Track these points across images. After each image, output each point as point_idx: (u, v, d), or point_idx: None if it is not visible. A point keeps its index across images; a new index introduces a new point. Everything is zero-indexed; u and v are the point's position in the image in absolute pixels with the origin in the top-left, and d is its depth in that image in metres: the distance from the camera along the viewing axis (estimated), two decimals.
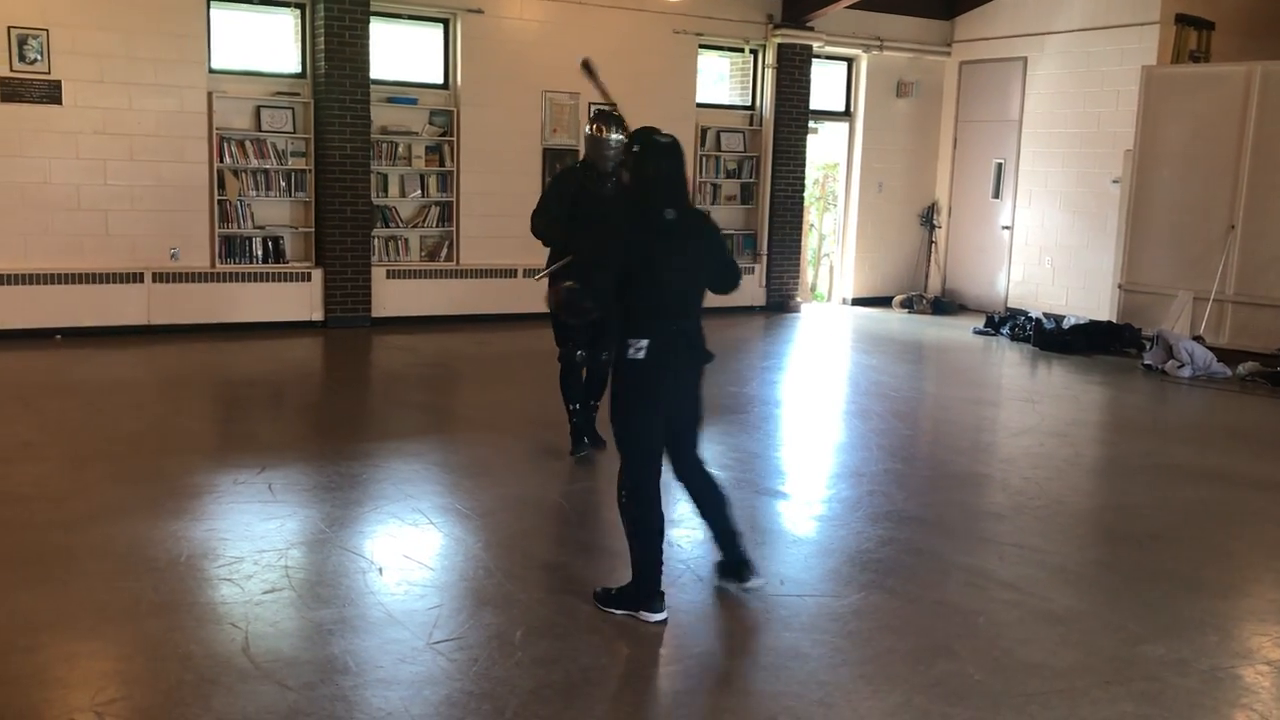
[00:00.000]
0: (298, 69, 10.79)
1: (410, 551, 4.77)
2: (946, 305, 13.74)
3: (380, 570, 4.50)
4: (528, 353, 10.21)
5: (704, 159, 12.91)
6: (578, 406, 6.37)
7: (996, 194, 13.61)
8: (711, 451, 6.63)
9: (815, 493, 5.99)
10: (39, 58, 9.53)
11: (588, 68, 6.12)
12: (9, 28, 9.38)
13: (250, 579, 4.33)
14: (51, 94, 9.60)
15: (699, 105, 12.85)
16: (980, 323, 12.29)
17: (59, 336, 9.69)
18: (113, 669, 3.58)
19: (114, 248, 10.02)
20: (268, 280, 10.66)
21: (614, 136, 5.96)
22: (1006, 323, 11.98)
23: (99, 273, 9.90)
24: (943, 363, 10.85)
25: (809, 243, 14.66)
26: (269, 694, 3.40)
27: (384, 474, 5.95)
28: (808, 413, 8.19)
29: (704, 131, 12.88)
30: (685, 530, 5.22)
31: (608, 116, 6.06)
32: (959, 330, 12.24)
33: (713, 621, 4.16)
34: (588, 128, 6.18)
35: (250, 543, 4.77)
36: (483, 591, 4.33)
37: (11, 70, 9.42)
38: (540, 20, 11.70)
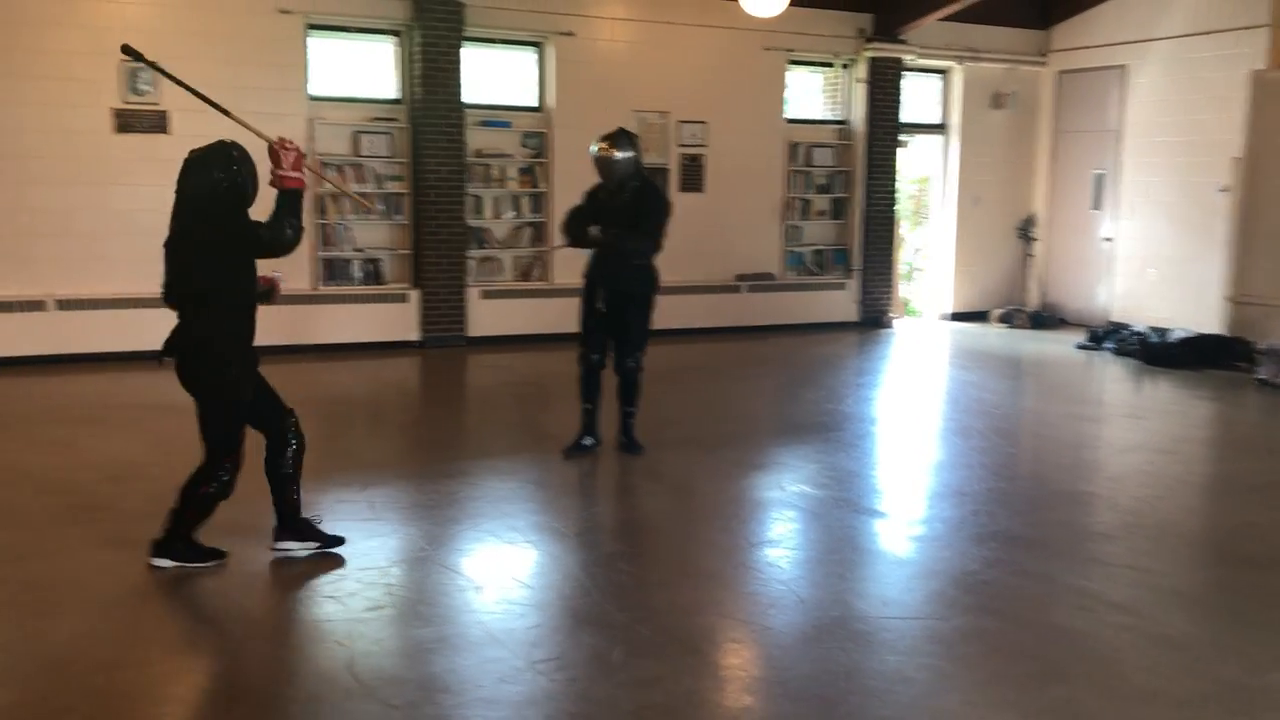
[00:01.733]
0: (395, 95, 11.00)
1: (508, 570, 4.79)
2: (1046, 319, 13.42)
3: (479, 589, 4.53)
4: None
5: (794, 174, 12.84)
6: (590, 407, 6.77)
7: (1096, 205, 13.28)
8: (807, 470, 6.59)
9: (916, 512, 5.88)
10: (149, 89, 9.86)
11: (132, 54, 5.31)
12: (121, 61, 9.73)
13: (353, 596, 4.39)
14: (159, 124, 9.93)
15: (789, 121, 12.79)
16: (1082, 337, 11.98)
17: (163, 359, 9.96)
18: (218, 685, 3.65)
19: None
20: (367, 302, 10.86)
21: (619, 155, 6.41)
22: (1110, 337, 11.65)
23: None
24: (1044, 378, 10.60)
25: (902, 257, 14.47)
26: (373, 712, 3.43)
27: (481, 492, 6.00)
28: (905, 430, 8.05)
29: (794, 147, 12.80)
30: (784, 550, 5.17)
31: (616, 136, 6.48)
32: (1060, 345, 11.95)
33: (814, 643, 4.09)
34: (593, 148, 6.52)
35: (352, 561, 4.84)
36: (580, 611, 4.33)
37: (124, 102, 9.78)
38: (630, 41, 11.77)
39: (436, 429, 7.95)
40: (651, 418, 8.14)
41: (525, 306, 11.55)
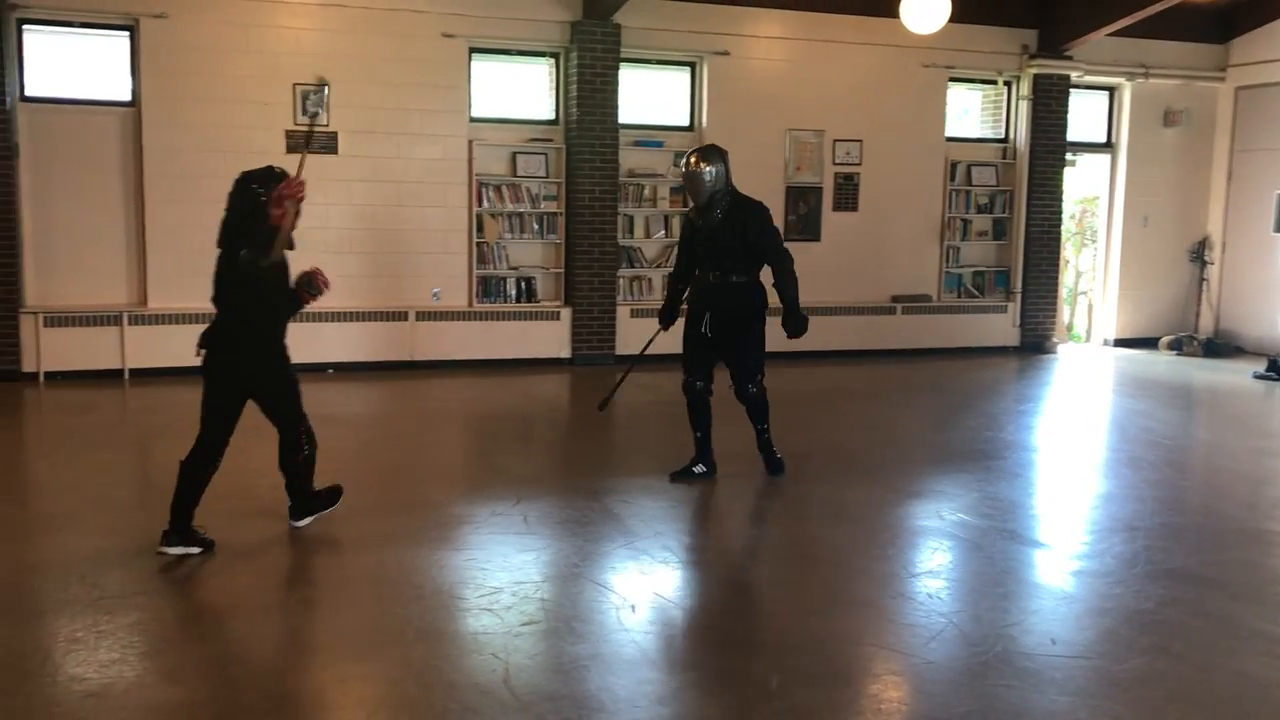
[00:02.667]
0: (551, 115, 11.18)
1: (660, 590, 4.76)
2: (1220, 347, 12.73)
3: (633, 607, 4.50)
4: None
5: (954, 194, 12.53)
6: (700, 435, 6.62)
7: (1279, 228, 12.56)
8: (967, 499, 6.37)
9: (1084, 546, 5.61)
10: (320, 111, 10.26)
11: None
12: (294, 84, 10.16)
13: (509, 610, 4.42)
14: (329, 145, 10.31)
15: (948, 139, 12.50)
16: (1260, 366, 11.31)
17: (331, 370, 10.34)
18: (383, 693, 3.71)
19: (381, 289, 10.63)
20: (520, 319, 11.05)
21: (707, 169, 6.23)
22: None
23: (368, 311, 10.53)
24: (1219, 409, 10.04)
25: (1065, 280, 13.96)
26: None
27: (633, 510, 5.99)
28: (1070, 460, 7.72)
29: (954, 165, 12.49)
30: (943, 581, 5.00)
31: (705, 151, 6.35)
32: (1235, 374, 11.31)
33: (978, 679, 3.93)
34: (682, 164, 6.52)
35: (508, 574, 4.89)
36: (735, 635, 4.26)
37: (295, 124, 10.19)
38: (785, 60, 11.70)
39: (587, 446, 7.99)
40: (803, 441, 8.02)
41: (674, 327, 11.50)
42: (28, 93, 9.63)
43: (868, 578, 5.07)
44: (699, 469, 6.62)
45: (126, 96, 9.90)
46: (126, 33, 9.80)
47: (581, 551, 5.26)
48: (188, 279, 9.72)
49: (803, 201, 11.93)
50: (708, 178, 6.23)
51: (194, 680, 3.70)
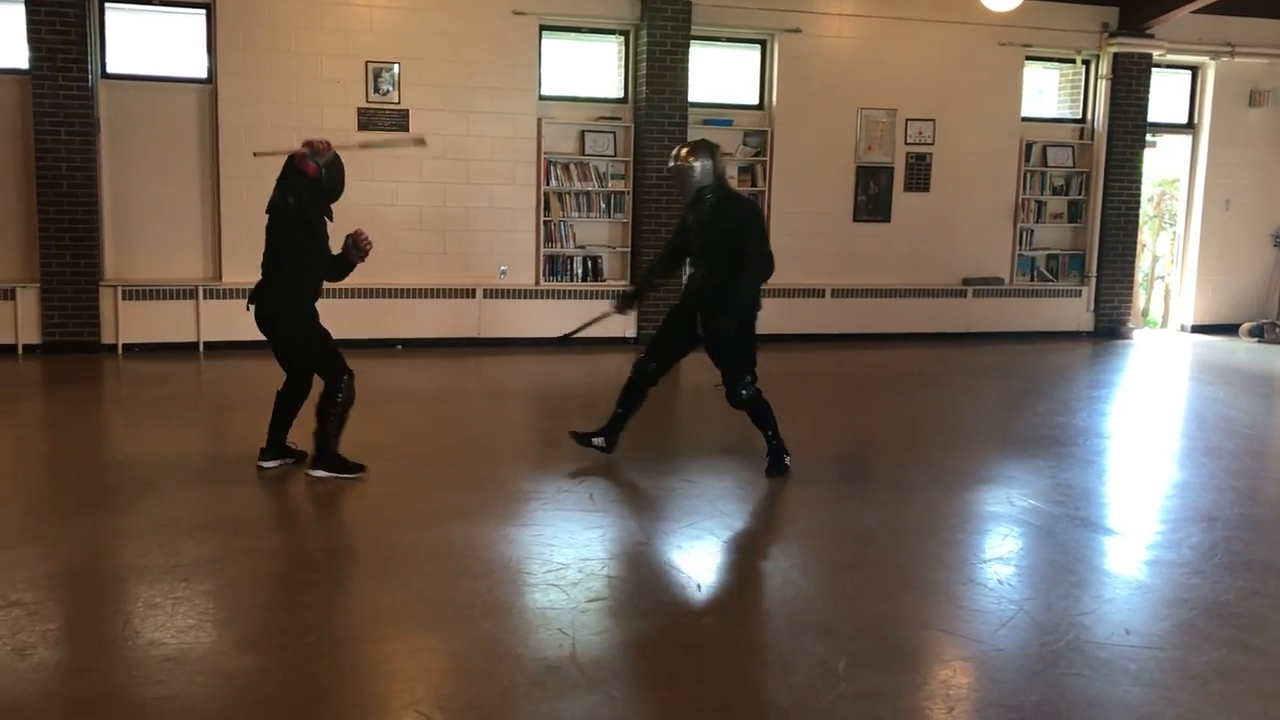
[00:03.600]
0: (620, 94, 11.15)
1: (725, 570, 4.75)
2: None
3: (698, 586, 4.50)
4: (834, 374, 10.08)
5: (1028, 175, 12.29)
6: (621, 411, 6.48)
7: None
8: (1038, 485, 6.27)
9: (1160, 536, 5.49)
10: (391, 89, 10.34)
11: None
12: (367, 62, 10.24)
13: (575, 586, 4.44)
14: (400, 122, 10.39)
15: (1024, 119, 12.26)
16: None
17: (400, 347, 10.45)
18: (450, 665, 3.74)
19: (450, 265, 10.71)
20: (586, 298, 11.05)
21: (695, 163, 6.03)
22: None
23: (437, 288, 10.61)
24: None
25: (1141, 265, 13.65)
26: (597, 704, 3.44)
27: (699, 490, 5.97)
28: (1145, 448, 7.56)
29: (1029, 146, 12.25)
30: (1012, 568, 4.92)
31: (695, 145, 6.14)
32: None
33: (1049, 667, 3.86)
34: (671, 161, 6.21)
35: (574, 550, 4.90)
36: (801, 617, 4.23)
37: (368, 101, 10.28)
38: (858, 37, 11.55)
39: (652, 425, 7.96)
40: (869, 424, 7.97)
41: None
42: (109, 70, 9.83)
43: (935, 562, 5.01)
44: (598, 441, 6.46)
45: (203, 74, 10.05)
46: (204, 11, 9.94)
47: (647, 530, 5.26)
48: (261, 254, 9.87)
49: (873, 181, 11.78)
50: (696, 173, 6.02)
51: (266, 648, 3.76)
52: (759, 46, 11.48)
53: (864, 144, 11.72)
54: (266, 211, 5.85)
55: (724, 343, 6.08)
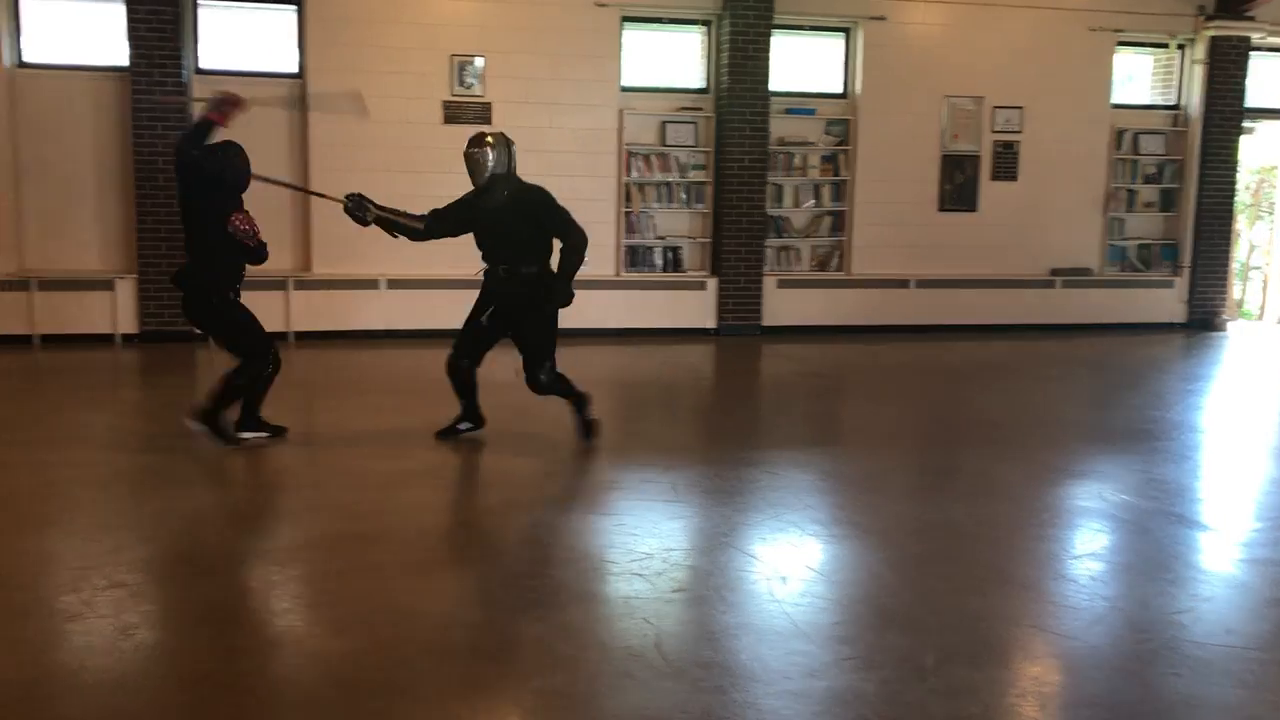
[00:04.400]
0: (701, 84, 11.12)
1: (811, 563, 4.72)
2: None
3: (783, 579, 4.48)
4: (917, 366, 9.96)
5: (1119, 163, 12.01)
6: (466, 402, 6.54)
7: None
8: (1131, 480, 6.13)
9: (1259, 534, 5.32)
10: (475, 82, 10.44)
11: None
12: (451, 55, 10.35)
13: (659, 576, 4.44)
14: (483, 115, 10.49)
15: (1114, 105, 11.97)
16: None
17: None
18: (538, 652, 3.77)
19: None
20: (666, 289, 11.07)
21: (489, 151, 6.17)
22: None
23: None
24: None
25: (1237, 254, 13.25)
26: (682, 693, 3.45)
27: (782, 482, 5.95)
28: (1242, 443, 7.34)
29: (1120, 133, 11.97)
30: (1105, 564, 4.82)
31: (487, 135, 6.27)
32: None
33: (1148, 666, 3.77)
34: (468, 149, 6.26)
35: (657, 540, 4.91)
36: (889, 611, 4.19)
37: (452, 94, 10.39)
38: (944, 24, 11.37)
39: (733, 416, 7.97)
40: (955, 416, 7.87)
41: (822, 297, 11.42)
42: (202, 66, 10.07)
43: (1025, 557, 4.93)
44: (464, 426, 6.57)
45: (294, 69, 10.25)
46: (295, 6, 10.13)
47: (730, 521, 5.25)
48: (349, 246, 10.02)
49: (959, 171, 11.61)
50: (490, 159, 6.14)
51: (359, 632, 3.83)
52: (843, 35, 11.36)
53: (950, 132, 11.54)
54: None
55: (534, 322, 6.21)
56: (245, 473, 5.86)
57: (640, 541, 4.86)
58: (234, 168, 6.09)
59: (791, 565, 4.67)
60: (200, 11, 10.04)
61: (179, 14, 9.68)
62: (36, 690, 3.36)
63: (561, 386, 6.39)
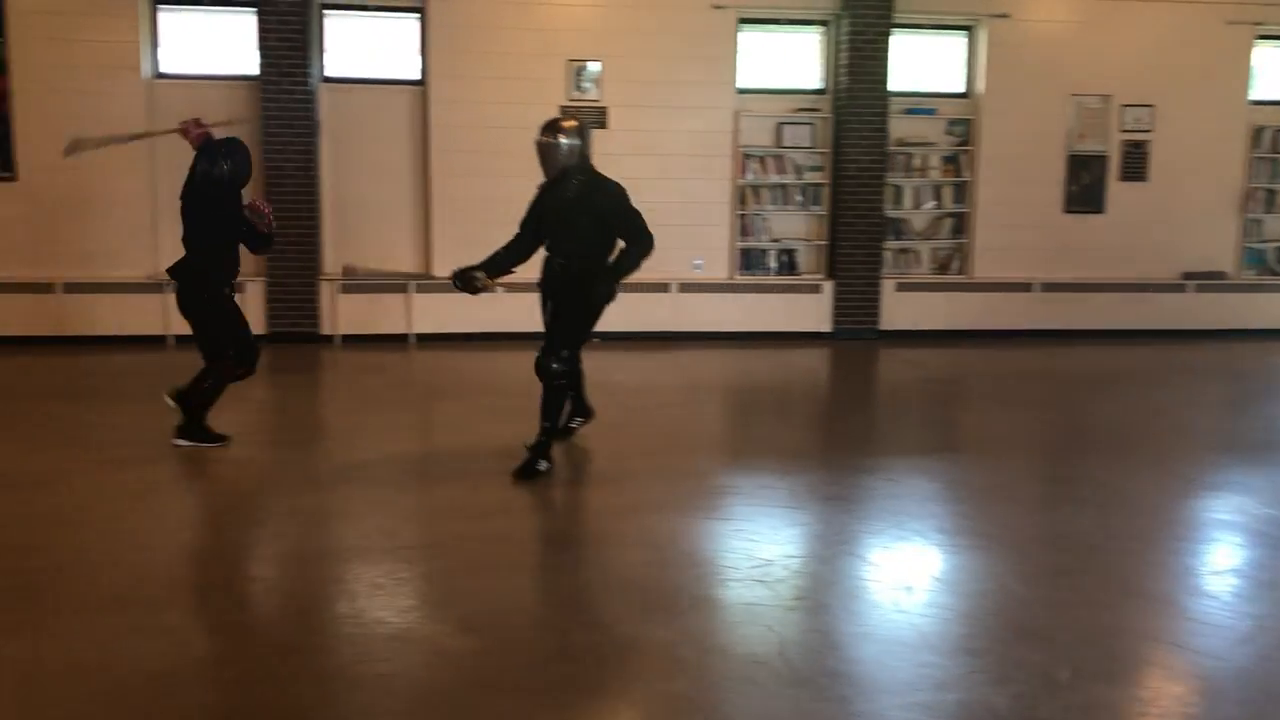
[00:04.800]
0: (819, 85, 11.01)
1: (936, 572, 4.62)
2: None
3: (908, 589, 4.39)
4: (1041, 372, 9.70)
5: (1258, 161, 11.51)
6: (574, 393, 6.39)
7: None
8: (1274, 494, 5.86)
9: None
10: (591, 86, 10.50)
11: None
12: (568, 60, 10.44)
13: (781, 583, 4.40)
14: (599, 119, 10.53)
15: (1252, 103, 11.47)
16: None
17: (597, 340, 10.59)
18: (660, 655, 3.76)
19: (649, 260, 10.77)
20: (781, 291, 10.98)
21: (564, 141, 5.84)
22: None
23: (631, 282, 10.66)
24: None
25: None
26: (807, 702, 3.40)
27: (902, 490, 5.84)
28: None
29: (1258, 131, 11.47)
30: (1249, 581, 4.60)
31: (563, 122, 5.94)
32: None
33: None
34: (539, 136, 5.92)
35: (778, 546, 4.87)
36: (1019, 624, 4.07)
37: (568, 99, 10.47)
38: (1072, 20, 11.05)
39: (851, 422, 7.86)
40: (1082, 423, 7.64)
41: (942, 300, 11.20)
42: (328, 74, 10.34)
43: (1161, 571, 4.75)
44: (575, 422, 6.52)
45: (416, 76, 10.46)
46: (417, 14, 10.33)
47: (851, 529, 5.17)
48: (469, 248, 10.13)
49: (1085, 171, 11.27)
50: (562, 150, 5.83)
51: (484, 631, 3.87)
52: (964, 33, 11.13)
53: (1076, 131, 11.20)
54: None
55: (571, 311, 5.92)
56: (364, 470, 5.99)
57: (760, 548, 4.82)
58: (239, 163, 6.22)
59: (916, 575, 4.58)
60: (326, 20, 10.32)
61: (306, 23, 9.95)
62: (175, 680, 3.47)
63: (558, 393, 5.86)
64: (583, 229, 5.89)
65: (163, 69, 10.21)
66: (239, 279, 6.58)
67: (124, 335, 10.02)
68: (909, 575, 4.58)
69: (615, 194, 5.93)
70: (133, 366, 9.16)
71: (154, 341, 9.98)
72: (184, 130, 6.26)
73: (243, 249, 6.41)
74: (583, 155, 5.92)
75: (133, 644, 3.71)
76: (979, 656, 3.76)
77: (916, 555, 4.85)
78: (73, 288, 10.00)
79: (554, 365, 5.80)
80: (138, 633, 3.80)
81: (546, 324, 6.12)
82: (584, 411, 6.57)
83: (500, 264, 6.11)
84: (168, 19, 10.17)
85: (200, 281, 6.21)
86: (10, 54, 9.79)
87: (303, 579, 4.42)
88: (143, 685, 3.41)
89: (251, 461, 6.34)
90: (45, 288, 9.94)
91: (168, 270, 6.38)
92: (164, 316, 9.95)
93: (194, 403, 6.28)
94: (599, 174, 6.01)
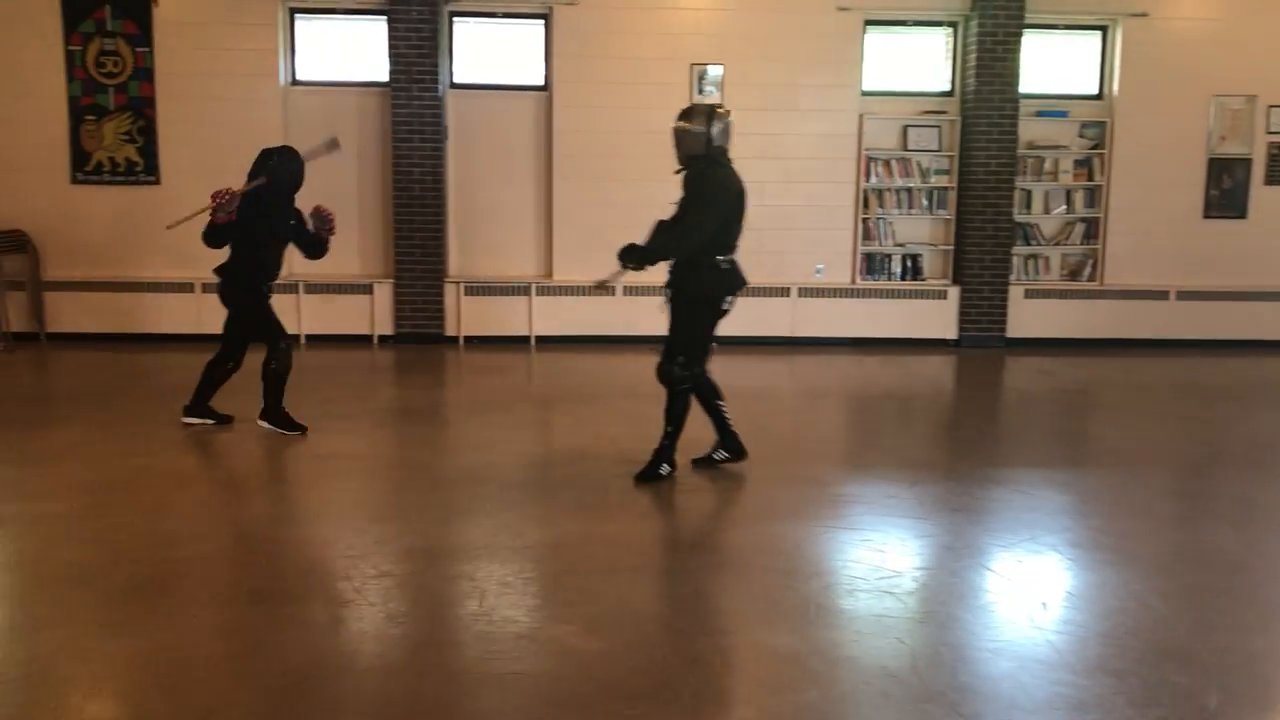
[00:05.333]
0: (946, 87, 10.81)
1: (1072, 588, 4.48)
2: None
3: (1044, 605, 4.26)
4: (1178, 383, 9.35)
5: None
6: (716, 419, 6.08)
7: None
8: None
9: None
10: (714, 90, 10.49)
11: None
12: (691, 64, 10.44)
13: (910, 595, 4.32)
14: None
15: None
16: None
17: (715, 345, 10.56)
18: (788, 665, 3.72)
19: (765, 264, 10.73)
20: (904, 297, 10.80)
21: (692, 128, 5.58)
22: None
23: (751, 286, 10.60)
24: None
25: None
26: (939, 717, 3.32)
27: (1034, 502, 5.68)
28: None
29: None
30: None
31: (694, 110, 5.67)
32: None
33: None
34: (675, 123, 5.69)
35: (906, 558, 4.79)
36: (1162, 644, 3.91)
37: (691, 103, 10.45)
38: (1212, 18, 10.64)
39: (978, 431, 7.68)
40: (1224, 439, 7.36)
41: (1072, 308, 10.88)
42: (456, 80, 10.54)
43: None
44: (718, 455, 6.13)
45: (540, 81, 10.59)
46: (541, 20, 10.46)
47: (982, 541, 5.05)
48: (588, 253, 10.24)
49: (1227, 174, 10.83)
50: (688, 137, 5.59)
51: (609, 633, 3.88)
52: (1099, 33, 10.79)
53: (1217, 134, 10.77)
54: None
55: (676, 319, 5.74)
56: (488, 469, 6.07)
57: (888, 559, 4.74)
58: (292, 172, 6.62)
59: (1052, 590, 4.45)
60: (456, 27, 10.52)
61: (436, 30, 10.16)
62: (312, 672, 3.56)
63: (681, 398, 5.79)
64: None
65: (299, 76, 10.53)
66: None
67: None
68: (1042, 590, 4.45)
69: (705, 177, 5.62)
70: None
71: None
72: (215, 203, 6.35)
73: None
74: (708, 146, 5.62)
75: (271, 636, 3.82)
76: (1120, 677, 3.63)
77: (1050, 570, 4.70)
78: (210, 288, 10.37)
79: (673, 370, 5.75)
80: (275, 625, 3.92)
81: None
82: (733, 449, 6.12)
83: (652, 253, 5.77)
84: (304, 27, 10.49)
85: (240, 281, 6.70)
86: (156, 62, 10.22)
87: (432, 575, 4.50)
88: (282, 677, 3.51)
89: (382, 460, 6.49)
90: (186, 287, 10.34)
91: (216, 270, 6.76)
92: (299, 318, 10.26)
93: (269, 392, 6.73)
94: (721, 166, 5.67)
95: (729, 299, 5.81)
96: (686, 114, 5.68)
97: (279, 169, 6.56)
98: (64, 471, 5.94)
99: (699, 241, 5.55)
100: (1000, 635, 3.98)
